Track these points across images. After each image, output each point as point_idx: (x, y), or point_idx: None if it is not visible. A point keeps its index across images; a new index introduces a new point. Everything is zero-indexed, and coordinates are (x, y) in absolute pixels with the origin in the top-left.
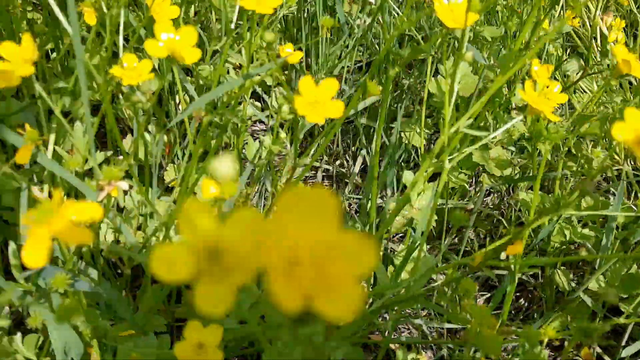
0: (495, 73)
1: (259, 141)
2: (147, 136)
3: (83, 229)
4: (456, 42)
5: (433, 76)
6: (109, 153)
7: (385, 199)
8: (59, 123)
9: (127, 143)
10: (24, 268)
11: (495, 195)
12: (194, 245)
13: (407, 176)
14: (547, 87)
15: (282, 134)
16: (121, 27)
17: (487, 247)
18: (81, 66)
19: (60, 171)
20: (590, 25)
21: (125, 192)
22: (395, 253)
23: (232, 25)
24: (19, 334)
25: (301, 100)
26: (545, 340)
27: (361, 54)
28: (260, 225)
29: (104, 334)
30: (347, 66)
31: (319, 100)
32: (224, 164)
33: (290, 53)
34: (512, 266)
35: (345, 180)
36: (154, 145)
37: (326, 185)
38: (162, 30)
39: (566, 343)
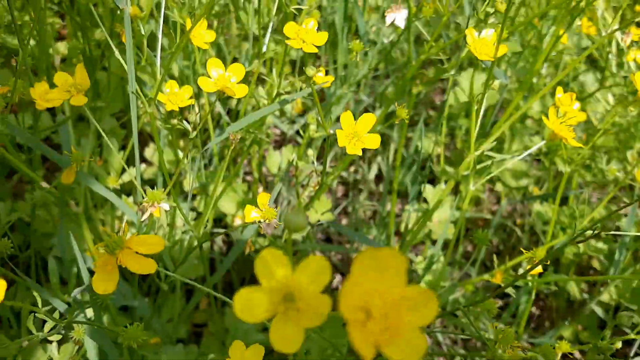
0: (515, 85)
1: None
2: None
3: (147, 260)
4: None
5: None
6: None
7: (400, 205)
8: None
9: (149, 152)
10: (63, 282)
11: (509, 204)
12: (271, 290)
13: (428, 191)
14: (572, 117)
15: (310, 152)
16: (159, 49)
17: (507, 264)
18: (134, 98)
19: (100, 189)
20: (606, 34)
21: None
22: (414, 263)
23: (264, 48)
24: (54, 343)
25: (342, 133)
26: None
27: (378, 62)
28: (328, 271)
29: (140, 343)
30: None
31: (358, 133)
32: (297, 217)
33: (325, 79)
34: (530, 284)
35: (360, 186)
36: (189, 164)
37: (341, 192)
38: (213, 66)
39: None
